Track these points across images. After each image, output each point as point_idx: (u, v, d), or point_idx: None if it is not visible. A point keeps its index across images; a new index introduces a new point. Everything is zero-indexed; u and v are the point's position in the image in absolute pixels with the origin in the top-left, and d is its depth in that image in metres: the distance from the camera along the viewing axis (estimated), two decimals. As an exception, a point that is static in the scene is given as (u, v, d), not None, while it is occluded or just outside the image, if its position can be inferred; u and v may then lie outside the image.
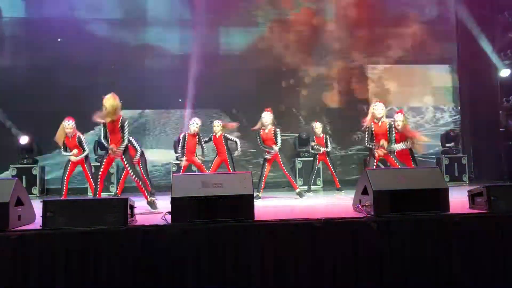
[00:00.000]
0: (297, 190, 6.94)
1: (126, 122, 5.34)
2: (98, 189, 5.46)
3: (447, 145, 9.91)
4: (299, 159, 9.58)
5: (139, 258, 3.56)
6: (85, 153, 6.57)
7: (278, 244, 3.68)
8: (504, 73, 9.63)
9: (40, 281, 3.47)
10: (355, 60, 10.50)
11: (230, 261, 3.62)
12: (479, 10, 10.06)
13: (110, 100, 5.20)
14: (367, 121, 6.08)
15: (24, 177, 8.60)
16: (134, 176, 5.39)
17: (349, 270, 3.69)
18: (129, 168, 5.41)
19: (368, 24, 10.48)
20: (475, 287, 3.75)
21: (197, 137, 7.08)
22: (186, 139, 7.05)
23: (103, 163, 5.43)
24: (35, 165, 8.88)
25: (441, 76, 10.70)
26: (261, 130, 6.89)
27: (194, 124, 7.05)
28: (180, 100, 9.59)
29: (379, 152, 5.95)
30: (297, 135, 9.83)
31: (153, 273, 3.56)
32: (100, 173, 5.44)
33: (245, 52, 10.16)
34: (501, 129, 9.68)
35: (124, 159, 5.42)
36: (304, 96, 10.32)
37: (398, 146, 6.20)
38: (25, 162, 8.91)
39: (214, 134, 7.31)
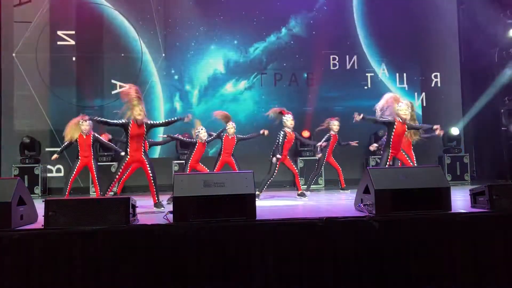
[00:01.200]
0: (300, 192, 6.96)
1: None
2: (117, 190, 5.53)
3: (449, 144, 9.90)
4: (300, 158, 9.58)
5: (140, 258, 3.56)
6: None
7: (280, 243, 3.68)
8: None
9: (42, 280, 3.48)
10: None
11: (232, 260, 3.62)
12: (482, 8, 10.03)
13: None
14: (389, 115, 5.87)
15: (26, 176, 8.61)
16: (152, 178, 5.47)
17: (350, 269, 3.69)
18: (150, 172, 5.48)
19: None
20: (477, 286, 3.75)
21: (206, 145, 7.03)
22: (196, 147, 6.92)
23: (121, 167, 5.46)
24: (37, 165, 8.89)
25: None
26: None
27: (203, 132, 6.91)
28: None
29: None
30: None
31: (155, 272, 3.56)
32: (117, 176, 5.53)
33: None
34: (503, 128, 9.65)
35: (146, 163, 5.47)
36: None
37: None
38: (27, 161, 8.93)
39: (227, 135, 7.29)
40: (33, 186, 8.71)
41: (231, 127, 7.27)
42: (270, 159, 6.94)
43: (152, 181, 5.48)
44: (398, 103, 5.86)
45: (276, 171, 6.92)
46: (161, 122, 5.79)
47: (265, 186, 6.92)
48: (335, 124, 7.93)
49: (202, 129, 6.94)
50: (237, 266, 3.62)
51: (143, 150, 5.48)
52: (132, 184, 8.40)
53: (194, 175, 4.39)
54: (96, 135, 6.79)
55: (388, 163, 5.93)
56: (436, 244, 3.76)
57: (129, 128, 5.31)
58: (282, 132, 6.92)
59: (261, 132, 7.32)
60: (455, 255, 3.76)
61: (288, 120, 6.92)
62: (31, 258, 3.49)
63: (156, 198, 5.49)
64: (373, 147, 7.60)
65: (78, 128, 6.62)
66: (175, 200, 3.83)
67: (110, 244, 3.55)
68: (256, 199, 5.84)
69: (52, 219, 3.62)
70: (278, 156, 6.81)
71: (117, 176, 5.51)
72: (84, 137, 6.63)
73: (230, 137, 7.27)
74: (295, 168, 7.27)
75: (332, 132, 7.95)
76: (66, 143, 6.74)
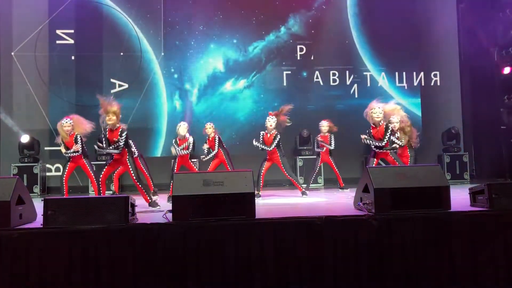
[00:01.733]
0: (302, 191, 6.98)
1: (125, 133, 5.51)
2: (101, 191, 5.58)
3: (448, 142, 9.90)
4: (300, 157, 9.58)
5: (140, 257, 3.56)
6: (75, 149, 6.52)
7: (279, 242, 3.68)
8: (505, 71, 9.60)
9: (41, 279, 3.47)
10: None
11: (231, 259, 3.62)
12: (481, 7, 10.04)
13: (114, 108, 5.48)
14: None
15: (25, 175, 8.60)
16: (136, 180, 5.53)
17: (349, 268, 3.69)
18: (132, 173, 5.55)
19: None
20: (477, 284, 3.75)
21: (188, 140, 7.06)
22: (177, 143, 7.04)
23: (105, 167, 5.60)
24: (36, 164, 8.88)
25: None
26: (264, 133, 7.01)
27: (182, 127, 7.04)
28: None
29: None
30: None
31: (154, 271, 3.56)
32: (101, 175, 5.64)
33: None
34: (502, 127, 9.66)
35: (128, 164, 5.55)
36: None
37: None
38: (26, 161, 8.92)
39: (208, 136, 7.37)
40: (32, 185, 8.70)
41: (208, 127, 7.33)
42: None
43: (138, 183, 5.55)
44: (372, 109, 6.08)
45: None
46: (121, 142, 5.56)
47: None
48: (323, 125, 7.99)
49: (184, 123, 7.04)
50: (237, 265, 3.62)
51: (128, 154, 5.57)
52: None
53: (193, 174, 4.39)
54: (78, 135, 6.60)
55: (375, 163, 6.11)
56: (435, 243, 3.76)
57: (106, 135, 5.57)
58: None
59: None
60: (455, 254, 3.76)
61: (269, 121, 6.95)
62: (30, 257, 3.48)
63: (148, 198, 5.52)
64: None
65: (62, 130, 6.56)
66: (174, 199, 3.82)
67: (109, 243, 3.55)
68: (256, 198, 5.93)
69: (51, 218, 3.62)
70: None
71: (101, 176, 5.66)
72: (68, 137, 6.56)
73: (210, 138, 7.33)
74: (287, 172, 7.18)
75: (321, 134, 8.00)
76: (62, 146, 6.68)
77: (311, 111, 10.09)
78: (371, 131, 6.04)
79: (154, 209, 5.29)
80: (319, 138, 8.03)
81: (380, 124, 5.98)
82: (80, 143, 6.50)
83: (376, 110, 5.96)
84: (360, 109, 9.96)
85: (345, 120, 9.32)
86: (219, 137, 7.42)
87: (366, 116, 6.16)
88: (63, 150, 6.54)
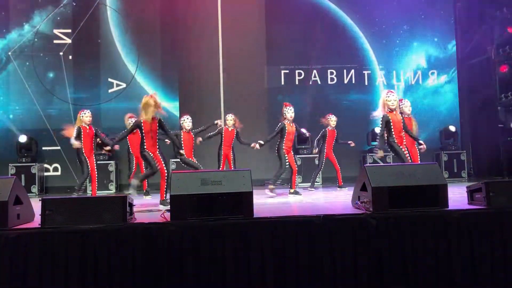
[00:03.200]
0: (293, 190, 6.97)
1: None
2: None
3: (446, 141, 9.92)
4: (298, 156, 9.58)
5: (138, 256, 3.56)
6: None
7: (277, 241, 3.68)
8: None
9: (39, 279, 3.47)
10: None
11: (230, 259, 3.62)
12: (479, 5, 10.06)
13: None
14: (379, 111, 5.76)
15: (23, 175, 8.60)
16: (166, 177, 5.54)
17: (348, 266, 3.69)
18: (165, 169, 5.58)
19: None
20: (475, 283, 3.76)
21: (192, 133, 7.03)
22: (182, 137, 6.91)
23: (155, 161, 5.50)
24: (34, 164, 8.87)
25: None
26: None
27: (187, 121, 6.98)
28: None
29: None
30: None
31: (152, 270, 3.56)
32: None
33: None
34: (500, 125, 9.68)
35: (161, 160, 5.57)
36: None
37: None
38: (24, 160, 8.90)
39: (226, 127, 7.31)
40: (30, 185, 8.69)
41: (230, 119, 7.27)
42: (276, 154, 6.94)
43: (166, 178, 5.53)
44: (387, 93, 5.76)
45: (287, 163, 6.85)
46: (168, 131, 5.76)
47: (278, 179, 6.92)
48: (332, 120, 7.95)
49: (187, 118, 6.98)
50: (235, 264, 3.62)
51: (158, 147, 5.57)
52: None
53: (191, 173, 4.38)
54: (98, 129, 6.69)
55: (406, 152, 5.67)
56: (433, 241, 3.77)
57: (142, 126, 5.42)
58: (281, 124, 6.88)
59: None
60: (452, 252, 3.76)
61: (289, 112, 6.87)
62: (28, 257, 3.48)
63: (164, 196, 5.51)
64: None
65: (80, 121, 6.53)
66: (172, 198, 3.82)
67: (107, 243, 3.55)
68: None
69: (49, 218, 3.61)
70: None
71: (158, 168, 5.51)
72: (87, 129, 6.53)
73: (229, 130, 7.28)
74: (295, 166, 7.22)
75: (329, 128, 7.96)
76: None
77: (309, 109, 10.10)
78: (389, 118, 5.63)
79: (160, 207, 5.28)
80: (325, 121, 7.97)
81: (395, 110, 5.68)
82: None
83: (390, 97, 5.64)
84: (358, 107, 10.12)
85: (343, 119, 9.32)
86: (237, 132, 7.41)
87: (380, 106, 5.78)
88: (74, 140, 6.38)
